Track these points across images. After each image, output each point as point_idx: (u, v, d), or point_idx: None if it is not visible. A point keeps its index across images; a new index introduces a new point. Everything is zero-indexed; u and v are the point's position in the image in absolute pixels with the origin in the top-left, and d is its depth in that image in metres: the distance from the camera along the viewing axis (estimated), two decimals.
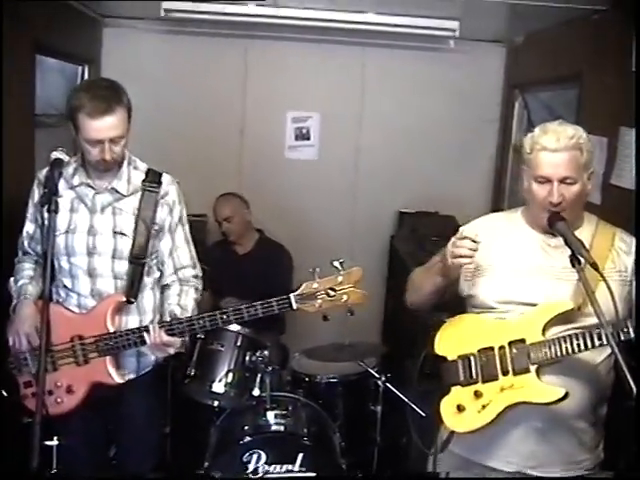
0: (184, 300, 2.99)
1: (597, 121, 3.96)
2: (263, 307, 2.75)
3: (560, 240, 2.44)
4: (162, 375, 3.16)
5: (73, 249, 2.89)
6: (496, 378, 2.47)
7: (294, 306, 2.69)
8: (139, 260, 2.91)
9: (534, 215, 2.52)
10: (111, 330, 2.82)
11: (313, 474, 3.46)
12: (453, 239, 2.44)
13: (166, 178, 2.99)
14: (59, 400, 2.83)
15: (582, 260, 2.27)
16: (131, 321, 2.94)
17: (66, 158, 2.68)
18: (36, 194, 2.96)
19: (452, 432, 2.60)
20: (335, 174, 5.78)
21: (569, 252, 2.37)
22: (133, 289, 2.91)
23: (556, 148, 2.38)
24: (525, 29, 5.06)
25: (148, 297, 3.01)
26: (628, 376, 2.00)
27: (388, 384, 4.02)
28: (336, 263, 2.70)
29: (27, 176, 3.89)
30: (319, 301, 2.68)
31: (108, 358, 2.83)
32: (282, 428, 3.66)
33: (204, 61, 5.49)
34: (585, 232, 2.47)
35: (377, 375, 4.05)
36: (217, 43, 5.48)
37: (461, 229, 2.59)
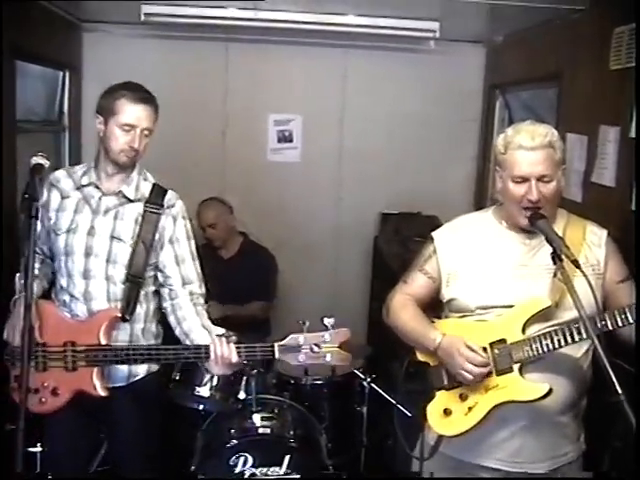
0: (205, 321, 2.99)
1: (577, 120, 4.00)
2: (247, 351, 2.75)
3: (535, 238, 2.50)
4: (155, 382, 3.14)
5: (72, 249, 2.93)
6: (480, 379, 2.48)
7: (276, 355, 2.68)
8: (136, 279, 2.94)
9: (510, 214, 2.53)
10: (103, 342, 2.83)
11: (299, 476, 3.47)
12: (465, 364, 2.44)
13: (172, 193, 3.06)
14: (43, 400, 2.83)
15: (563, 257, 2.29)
16: (122, 329, 2.95)
17: (47, 163, 2.67)
18: (45, 196, 2.98)
19: (440, 436, 2.61)
20: (318, 176, 5.79)
21: (544, 250, 2.42)
22: (129, 308, 2.94)
23: (532, 146, 2.40)
24: (505, 29, 5.09)
25: (140, 308, 3.01)
26: (608, 368, 2.01)
27: (373, 385, 4.04)
28: (327, 321, 2.66)
29: (9, 181, 3.89)
30: (302, 356, 2.65)
31: (95, 369, 2.82)
32: (268, 431, 3.66)
33: (185, 65, 5.48)
34: (557, 227, 2.48)
35: (362, 376, 4.06)
36: (198, 47, 5.48)
37: (434, 234, 2.68)
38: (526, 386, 2.43)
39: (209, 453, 3.65)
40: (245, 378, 3.81)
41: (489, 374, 2.46)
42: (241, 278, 4.78)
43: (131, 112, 2.85)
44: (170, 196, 3.04)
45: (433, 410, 2.60)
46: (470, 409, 2.51)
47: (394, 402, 3.09)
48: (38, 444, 2.93)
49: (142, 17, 4.56)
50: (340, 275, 5.93)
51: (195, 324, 2.96)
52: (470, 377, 2.44)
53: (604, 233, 2.56)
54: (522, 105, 5.32)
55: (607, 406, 2.04)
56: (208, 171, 5.59)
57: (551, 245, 2.33)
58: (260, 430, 3.66)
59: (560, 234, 2.42)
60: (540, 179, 2.41)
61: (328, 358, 2.65)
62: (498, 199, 2.62)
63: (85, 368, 2.82)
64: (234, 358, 2.73)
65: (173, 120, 5.37)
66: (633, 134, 3.32)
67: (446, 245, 2.65)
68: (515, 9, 4.02)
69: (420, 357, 2.67)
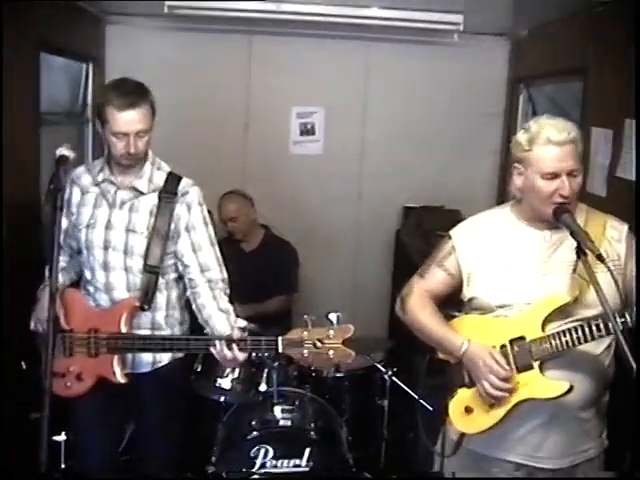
0: (223, 304, 3.02)
1: (602, 114, 3.97)
2: (252, 344, 2.79)
3: (555, 234, 2.49)
4: (179, 369, 3.20)
5: (92, 242, 3.00)
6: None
7: (280, 349, 2.69)
8: (154, 269, 2.98)
9: (535, 210, 2.50)
10: (124, 331, 2.90)
11: (321, 469, 3.47)
12: (489, 361, 2.45)
13: (186, 181, 3.07)
14: (68, 384, 2.93)
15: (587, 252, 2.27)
16: (143, 317, 3.02)
17: (72, 155, 2.70)
18: (67, 193, 3.03)
19: (462, 433, 2.61)
20: (340, 169, 5.78)
21: (564, 246, 2.44)
22: (147, 297, 2.99)
23: (561, 141, 2.37)
24: (529, 22, 5.05)
25: (161, 296, 3.06)
26: (634, 365, 2.00)
27: (395, 378, 4.03)
28: (332, 316, 2.68)
29: (32, 173, 3.92)
30: (305, 350, 2.66)
31: (116, 357, 2.90)
32: (289, 423, 3.67)
33: (208, 57, 5.49)
34: (578, 222, 2.43)
35: (384, 369, 4.06)
36: (221, 39, 5.48)
37: (452, 233, 2.67)
38: (547, 383, 2.42)
39: (230, 445, 3.67)
40: (266, 370, 3.82)
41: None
42: (263, 271, 4.79)
43: (120, 121, 2.83)
44: (184, 184, 3.05)
45: (455, 408, 2.61)
46: (491, 407, 2.50)
47: (415, 396, 3.10)
48: (62, 433, 2.96)
49: (165, 9, 4.56)
50: (361, 268, 5.92)
51: (213, 310, 3.00)
52: (492, 390, 2.44)
53: (624, 228, 2.52)
54: (546, 99, 5.28)
55: (631, 404, 2.02)
56: (230, 163, 5.60)
57: (575, 239, 2.31)
58: (281, 422, 3.67)
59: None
60: (570, 174, 2.39)
61: (331, 354, 2.65)
62: (516, 196, 2.58)
63: (106, 355, 2.90)
64: (239, 358, 2.79)
65: (196, 112, 5.44)
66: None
67: (466, 243, 2.64)
68: (540, 2, 4.00)
69: (441, 356, 2.68)
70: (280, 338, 2.69)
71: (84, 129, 5.29)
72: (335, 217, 5.79)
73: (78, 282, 3.16)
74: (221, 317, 2.96)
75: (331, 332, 2.65)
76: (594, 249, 2.24)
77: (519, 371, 2.46)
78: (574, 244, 2.35)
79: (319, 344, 2.64)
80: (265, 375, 3.81)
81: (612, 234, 2.50)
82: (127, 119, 2.81)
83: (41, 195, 3.75)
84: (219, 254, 3.12)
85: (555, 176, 2.39)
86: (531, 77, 5.33)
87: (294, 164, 5.72)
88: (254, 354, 3.73)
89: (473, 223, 2.71)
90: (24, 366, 3.03)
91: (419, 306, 2.70)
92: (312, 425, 3.67)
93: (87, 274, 3.07)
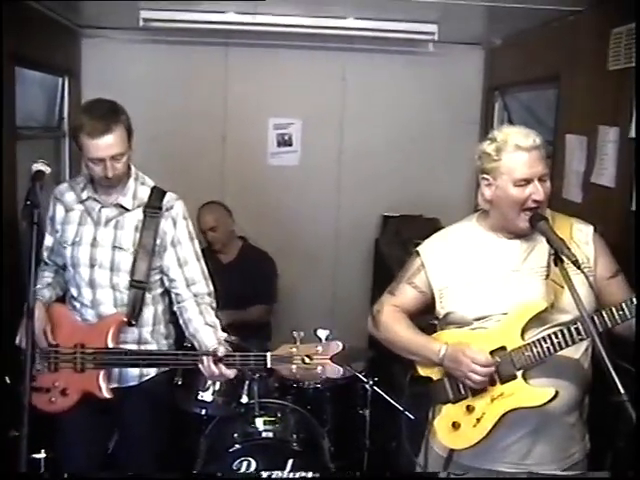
0: (209, 318, 3.02)
1: (576, 120, 4.01)
2: (241, 360, 2.80)
3: (525, 242, 2.52)
4: (165, 382, 3.22)
5: (78, 260, 3.00)
6: (485, 390, 2.48)
7: (268, 364, 2.70)
8: (141, 285, 2.99)
9: (506, 219, 2.50)
10: (110, 346, 2.91)
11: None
12: (472, 365, 2.44)
13: (170, 195, 3.08)
14: (53, 399, 2.92)
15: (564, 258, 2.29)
16: (129, 332, 3.02)
17: (48, 170, 2.69)
18: (51, 210, 3.08)
19: (452, 450, 2.60)
20: (318, 179, 5.79)
21: (535, 253, 2.49)
22: (135, 313, 2.99)
23: (529, 146, 2.40)
24: (503, 31, 5.09)
25: (148, 311, 3.07)
26: (611, 369, 2.03)
27: (376, 388, 4.03)
28: (320, 333, 2.67)
29: (9, 189, 3.89)
30: (294, 366, 2.66)
31: (102, 372, 2.90)
32: (271, 435, 3.66)
33: (184, 69, 5.49)
34: None
35: (365, 379, 4.05)
36: (197, 51, 5.49)
37: (419, 250, 2.68)
38: (532, 392, 2.43)
39: (212, 458, 3.65)
40: (247, 382, 3.81)
41: (493, 383, 2.47)
42: (241, 282, 4.78)
43: (93, 148, 2.82)
44: (168, 198, 3.07)
45: (441, 425, 2.60)
46: (478, 420, 2.50)
47: (397, 405, 3.10)
48: (42, 450, 2.94)
49: (141, 22, 4.55)
50: (341, 278, 5.92)
51: (199, 324, 3.00)
52: (478, 377, 2.44)
53: (590, 229, 2.55)
54: (521, 106, 5.33)
55: (609, 405, 2.04)
56: (208, 175, 5.60)
57: (552, 246, 2.33)
58: (263, 434, 3.66)
59: None
60: (540, 179, 2.41)
61: (319, 370, 2.66)
62: (484, 207, 2.58)
63: (92, 370, 2.90)
64: (226, 374, 2.80)
65: (173, 125, 5.43)
66: (633, 134, 3.32)
67: (435, 259, 2.64)
68: (513, 11, 4.03)
69: (422, 372, 2.67)
70: (269, 354, 2.70)
71: (61, 143, 5.26)
72: (314, 227, 5.79)
73: (64, 297, 3.15)
74: (208, 331, 2.96)
75: (319, 348, 2.65)
76: (570, 255, 2.26)
77: (503, 382, 2.46)
78: (544, 250, 2.43)
79: (308, 360, 2.65)
80: (246, 387, 3.81)
81: (579, 237, 2.53)
82: (101, 145, 2.80)
83: (17, 211, 3.72)
84: (205, 268, 3.13)
85: (527, 182, 2.41)
86: (506, 85, 5.37)
87: (272, 175, 5.72)
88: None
89: (441, 238, 2.71)
90: (8, 381, 3.01)
91: (392, 320, 2.71)
92: (294, 436, 3.66)
93: (73, 291, 3.07)
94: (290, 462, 3.49)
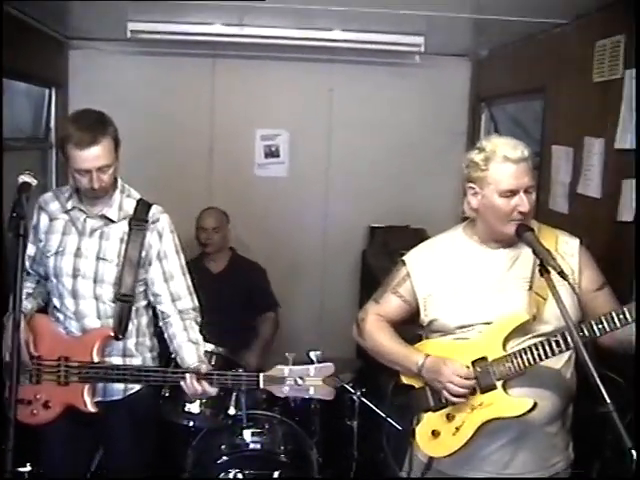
0: (193, 335, 3.01)
1: (562, 132, 4.04)
2: (233, 380, 2.83)
3: (509, 252, 2.55)
4: (151, 395, 3.19)
5: (60, 270, 2.96)
6: (465, 399, 2.50)
7: (261, 386, 2.73)
8: (127, 297, 2.96)
9: (491, 229, 2.53)
10: (96, 360, 2.87)
11: None
12: (453, 377, 2.46)
13: (156, 207, 3.06)
14: (35, 412, 2.89)
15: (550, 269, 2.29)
16: (114, 345, 2.99)
17: (34, 182, 2.69)
18: (35, 219, 3.05)
19: (431, 457, 2.61)
20: (305, 190, 5.80)
21: (519, 263, 2.51)
22: (121, 326, 2.96)
23: (517, 158, 2.42)
24: (489, 43, 5.13)
25: (131, 323, 3.03)
26: (597, 379, 2.03)
27: (363, 399, 4.03)
28: (312, 354, 2.81)
29: None
30: (286, 388, 2.69)
31: (87, 386, 2.87)
32: (259, 446, 3.66)
33: (171, 81, 5.50)
34: None
35: (352, 390, 4.05)
36: (184, 63, 5.50)
37: (405, 259, 2.71)
38: (511, 402, 2.45)
39: (200, 469, 3.64)
40: (235, 394, 3.80)
41: (473, 392, 2.49)
42: (231, 292, 4.79)
43: (80, 159, 2.79)
44: (154, 211, 3.05)
45: (421, 432, 2.62)
46: (457, 429, 2.52)
47: (384, 416, 3.10)
48: (27, 464, 2.92)
49: (128, 34, 4.56)
50: (328, 289, 5.92)
51: (183, 340, 2.99)
52: (457, 389, 2.46)
53: (576, 242, 2.57)
54: (508, 117, 5.36)
55: (594, 416, 2.05)
56: (195, 186, 5.59)
57: (538, 257, 2.34)
58: (251, 446, 3.66)
59: None
60: (526, 190, 2.43)
61: (312, 392, 2.70)
62: (469, 215, 2.62)
63: (77, 384, 2.86)
64: (209, 392, 2.80)
65: (160, 136, 5.43)
66: (618, 145, 3.34)
67: (420, 269, 2.66)
68: (499, 23, 4.06)
69: (405, 380, 2.70)
70: (262, 375, 2.72)
71: (48, 154, 5.25)
72: (301, 238, 5.79)
73: (45, 308, 3.11)
74: (190, 348, 2.95)
75: (312, 370, 2.68)
76: (556, 266, 2.27)
77: (483, 391, 2.48)
78: (529, 261, 2.46)
79: (300, 381, 2.68)
80: (234, 399, 3.79)
81: (565, 249, 2.54)
82: (87, 156, 2.78)
83: (3, 222, 3.71)
84: (190, 282, 3.12)
85: (513, 193, 2.43)
86: (492, 96, 5.40)
87: (259, 186, 5.72)
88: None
89: (427, 247, 2.74)
90: None
91: (376, 329, 2.74)
92: (282, 448, 3.67)
93: (56, 302, 3.03)
94: (277, 474, 3.48)
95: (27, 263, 3.09)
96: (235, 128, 5.62)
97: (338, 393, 4.10)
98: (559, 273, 2.26)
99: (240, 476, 3.47)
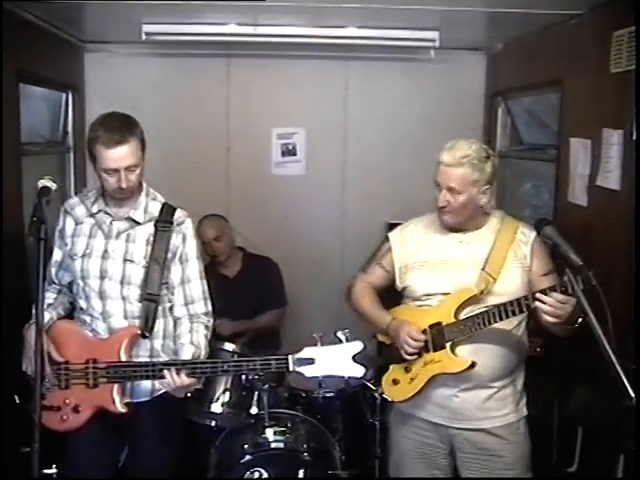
0: (196, 338, 3.06)
1: (580, 124, 4.00)
2: (262, 364, 2.85)
3: (468, 236, 3.05)
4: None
5: (88, 272, 3.02)
6: (420, 355, 3.01)
7: (290, 368, 2.76)
8: (153, 297, 3.00)
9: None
10: (123, 359, 2.92)
11: None
12: (407, 338, 2.98)
13: (181, 211, 3.13)
14: (65, 417, 2.93)
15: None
16: (142, 344, 3.03)
17: (53, 186, 2.73)
18: (61, 224, 3.11)
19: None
20: (323, 188, 5.79)
21: (475, 246, 3.01)
22: (148, 325, 3.00)
23: (449, 163, 2.97)
24: (504, 36, 5.10)
25: (159, 324, 3.08)
26: (621, 373, 2.02)
27: (385, 396, 4.02)
28: (340, 334, 2.83)
29: (14, 205, 3.91)
30: (316, 368, 2.76)
31: (116, 386, 2.91)
32: (282, 445, 3.67)
33: (187, 81, 5.51)
34: (490, 229, 3.05)
35: (374, 387, 4.05)
36: (199, 63, 5.50)
37: (390, 235, 3.27)
38: (454, 360, 2.93)
39: (223, 469, 3.65)
40: (257, 393, 3.81)
41: (427, 350, 2.99)
42: (250, 293, 4.80)
43: (108, 158, 2.86)
44: (179, 214, 3.10)
45: (386, 379, 3.21)
46: (412, 380, 3.06)
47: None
48: (53, 466, 2.94)
49: (143, 36, 4.56)
50: (347, 286, 5.90)
51: (186, 341, 3.05)
52: (409, 348, 2.98)
53: (533, 234, 2.99)
54: (524, 111, 5.32)
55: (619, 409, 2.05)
56: (213, 187, 5.60)
57: (558, 250, 2.61)
58: (273, 445, 3.67)
59: (492, 235, 3.01)
60: (450, 189, 2.97)
61: (342, 371, 2.78)
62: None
63: (106, 385, 2.90)
64: (186, 383, 2.85)
65: (177, 137, 5.44)
66: (635, 136, 3.32)
67: (399, 244, 3.20)
68: (513, 16, 4.03)
69: (380, 338, 3.25)
70: (290, 357, 2.76)
71: (65, 158, 5.27)
72: (319, 236, 5.79)
73: (66, 317, 3.15)
74: (188, 350, 3.01)
75: (341, 349, 2.78)
76: (575, 260, 2.55)
77: (435, 350, 2.97)
78: (486, 246, 2.99)
79: (330, 361, 2.75)
80: (256, 398, 3.81)
81: (521, 237, 3.02)
82: (115, 156, 2.85)
83: (24, 227, 3.73)
84: (206, 287, 3.17)
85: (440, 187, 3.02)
86: (508, 90, 5.36)
87: (277, 185, 5.72)
88: (244, 377, 3.74)
89: (406, 226, 3.29)
90: (17, 400, 3.00)
91: (360, 294, 3.31)
92: (305, 446, 3.67)
93: (82, 303, 3.07)
94: (301, 472, 3.49)
95: (53, 270, 3.16)
96: (251, 127, 5.62)
97: (360, 390, 4.14)
98: (571, 265, 2.55)
99: (265, 475, 3.47)
